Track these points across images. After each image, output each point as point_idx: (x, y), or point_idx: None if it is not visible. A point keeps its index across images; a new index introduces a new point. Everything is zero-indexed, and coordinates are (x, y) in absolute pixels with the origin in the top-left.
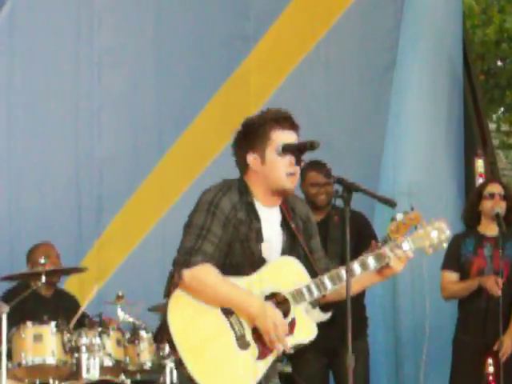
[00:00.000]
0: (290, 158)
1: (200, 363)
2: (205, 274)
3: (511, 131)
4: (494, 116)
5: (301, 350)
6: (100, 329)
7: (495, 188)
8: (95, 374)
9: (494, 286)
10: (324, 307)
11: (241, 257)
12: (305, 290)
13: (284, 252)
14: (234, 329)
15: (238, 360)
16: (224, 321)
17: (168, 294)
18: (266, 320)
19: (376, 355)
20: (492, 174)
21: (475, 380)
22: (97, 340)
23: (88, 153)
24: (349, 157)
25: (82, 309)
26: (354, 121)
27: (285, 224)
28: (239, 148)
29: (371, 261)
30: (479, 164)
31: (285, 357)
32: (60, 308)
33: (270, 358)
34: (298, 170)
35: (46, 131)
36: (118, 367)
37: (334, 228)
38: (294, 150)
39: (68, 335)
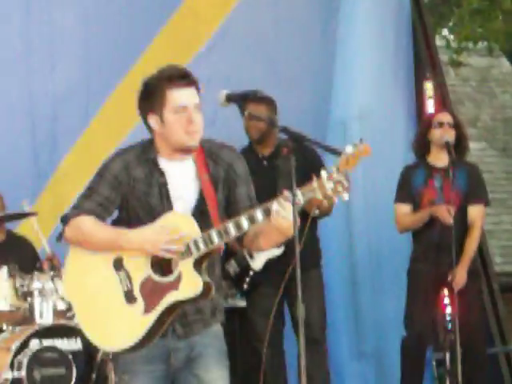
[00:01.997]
0: (187, 116)
1: (89, 317)
2: (81, 222)
3: (460, 48)
4: (446, 30)
5: (256, 285)
6: (52, 272)
7: (444, 117)
8: (48, 318)
9: (446, 214)
10: None
11: (140, 212)
12: (192, 245)
13: (198, 204)
14: (122, 283)
15: (125, 314)
16: (114, 275)
17: None
18: (148, 240)
19: (332, 285)
20: (442, 99)
21: (431, 308)
22: (49, 284)
23: (41, 89)
24: (298, 83)
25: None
26: (303, 46)
27: (200, 176)
28: (141, 110)
29: (259, 214)
30: (428, 87)
31: (239, 292)
32: (12, 252)
33: (159, 309)
34: (198, 126)
35: None
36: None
37: (283, 161)
38: (238, 99)
39: (20, 280)
